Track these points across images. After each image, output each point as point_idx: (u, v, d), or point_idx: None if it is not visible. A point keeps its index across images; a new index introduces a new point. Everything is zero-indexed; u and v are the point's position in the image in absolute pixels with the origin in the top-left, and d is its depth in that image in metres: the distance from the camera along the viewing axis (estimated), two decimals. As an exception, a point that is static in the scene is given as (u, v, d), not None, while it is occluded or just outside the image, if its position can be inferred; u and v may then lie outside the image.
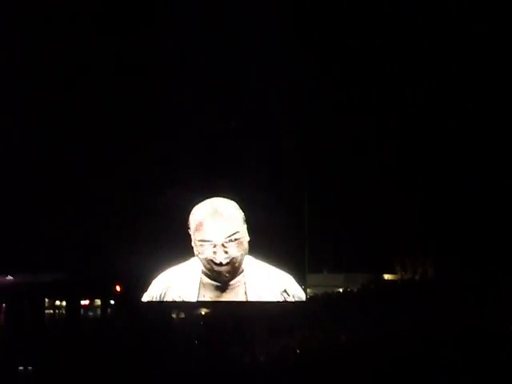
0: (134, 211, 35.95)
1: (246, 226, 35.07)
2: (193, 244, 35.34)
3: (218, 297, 35.31)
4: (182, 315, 32.65)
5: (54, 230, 35.11)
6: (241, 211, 35.39)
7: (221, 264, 35.30)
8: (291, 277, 35.51)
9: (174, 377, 16.21)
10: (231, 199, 35.69)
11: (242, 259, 35.45)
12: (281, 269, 35.05)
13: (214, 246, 35.32)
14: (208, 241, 35.61)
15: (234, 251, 35.25)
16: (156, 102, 37.49)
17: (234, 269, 35.32)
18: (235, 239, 35.25)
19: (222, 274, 35.16)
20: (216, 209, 35.91)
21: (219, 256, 35.37)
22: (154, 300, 35.54)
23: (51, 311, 34.15)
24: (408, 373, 16.16)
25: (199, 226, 35.81)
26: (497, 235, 34.38)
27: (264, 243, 34.90)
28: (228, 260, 35.24)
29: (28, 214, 34.86)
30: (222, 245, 35.25)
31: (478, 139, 36.01)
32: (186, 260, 35.79)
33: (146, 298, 35.26)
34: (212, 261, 35.41)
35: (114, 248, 34.01)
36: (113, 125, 37.32)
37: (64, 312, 33.90)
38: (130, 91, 37.36)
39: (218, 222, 35.62)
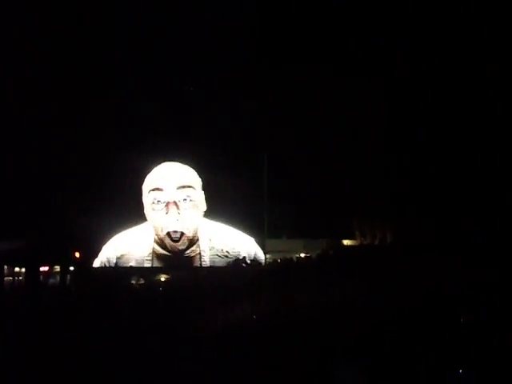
0: (91, 174, 35.60)
1: (203, 193, 34.97)
2: (145, 210, 35.01)
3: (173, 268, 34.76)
4: (141, 281, 32.52)
5: (12, 197, 34.79)
6: (198, 177, 35.34)
7: (176, 240, 34.69)
8: (251, 239, 35.14)
9: (133, 343, 16.27)
10: (189, 163, 35.79)
11: (196, 230, 34.87)
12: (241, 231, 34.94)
13: (167, 205, 34.57)
14: (159, 198, 34.87)
15: (188, 216, 34.67)
16: (114, 63, 37.06)
17: (189, 243, 34.97)
18: (190, 200, 34.59)
19: (176, 249, 34.97)
20: (171, 168, 35.79)
21: (171, 221, 34.56)
22: (105, 266, 35.15)
23: (10, 278, 33.97)
24: (366, 337, 16.31)
25: (152, 187, 35.38)
26: (456, 196, 34.62)
27: (223, 208, 34.65)
28: (181, 230, 34.64)
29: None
30: (175, 203, 34.55)
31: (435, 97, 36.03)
32: (137, 224, 35.29)
33: (97, 263, 34.95)
34: (169, 234, 34.78)
35: (72, 214, 33.78)
36: (71, 85, 36.76)
37: (23, 279, 33.73)
38: (87, 53, 36.87)
39: (172, 171, 35.41)
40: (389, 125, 36.37)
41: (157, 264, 34.57)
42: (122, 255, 34.41)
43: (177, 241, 34.09)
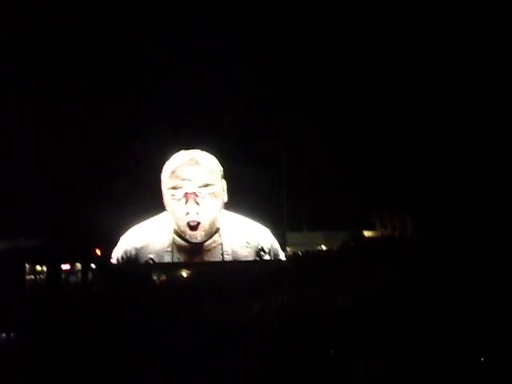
0: (110, 166, 35.45)
1: (224, 183, 34.88)
2: (164, 199, 34.73)
3: (193, 259, 34.77)
4: (163, 277, 32.39)
5: (31, 195, 34.83)
6: (220, 166, 34.95)
7: (195, 227, 34.27)
8: (266, 230, 35.03)
9: (154, 339, 16.31)
10: (210, 153, 35.30)
11: (215, 221, 34.62)
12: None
13: (185, 196, 34.15)
14: (179, 188, 34.39)
15: (207, 206, 34.31)
16: (136, 52, 36.89)
17: (207, 232, 34.62)
18: (210, 193, 34.28)
19: (195, 238, 34.65)
20: (193, 157, 35.06)
21: (191, 211, 34.12)
22: (123, 258, 34.86)
23: (32, 277, 34.04)
24: (389, 330, 16.27)
25: (172, 174, 34.87)
26: (474, 188, 34.40)
27: (243, 200, 34.59)
28: (199, 219, 34.22)
29: (4, 180, 34.48)
30: (195, 193, 34.07)
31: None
32: (156, 214, 35.03)
33: (115, 256, 34.83)
34: (188, 224, 34.34)
35: (92, 210, 33.67)
36: (89, 74, 36.57)
37: (45, 277, 33.79)
38: (109, 41, 36.70)
39: (192, 168, 34.80)
40: (411, 114, 36.14)
41: (177, 255, 34.49)
42: (141, 247, 34.38)
43: (195, 229, 34.04)
